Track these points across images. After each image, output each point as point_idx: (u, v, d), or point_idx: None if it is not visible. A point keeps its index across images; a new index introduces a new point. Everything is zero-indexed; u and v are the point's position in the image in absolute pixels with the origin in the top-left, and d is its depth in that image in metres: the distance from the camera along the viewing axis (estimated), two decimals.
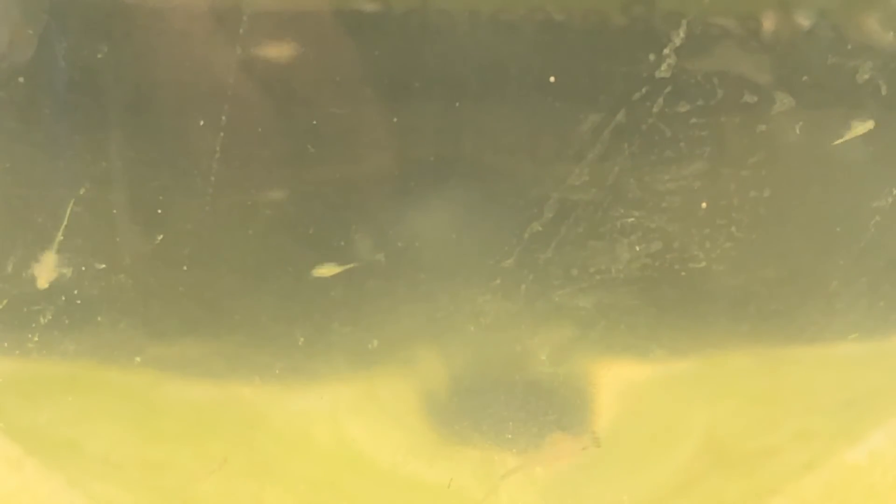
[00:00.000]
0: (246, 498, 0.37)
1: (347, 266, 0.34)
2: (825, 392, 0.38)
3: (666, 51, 0.31)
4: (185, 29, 0.31)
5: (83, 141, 0.33)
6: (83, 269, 0.34)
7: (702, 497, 0.38)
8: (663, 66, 0.32)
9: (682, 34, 0.31)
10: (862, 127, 0.32)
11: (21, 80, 0.32)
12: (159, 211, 0.33)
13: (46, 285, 0.34)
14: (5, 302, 0.34)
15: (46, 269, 0.34)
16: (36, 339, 0.35)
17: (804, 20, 0.32)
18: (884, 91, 0.32)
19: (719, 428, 0.37)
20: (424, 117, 0.32)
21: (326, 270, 0.34)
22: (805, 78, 0.32)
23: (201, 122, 0.32)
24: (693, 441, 0.37)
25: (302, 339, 0.35)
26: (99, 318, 0.35)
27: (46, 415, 0.36)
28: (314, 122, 0.32)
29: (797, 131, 0.33)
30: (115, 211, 0.33)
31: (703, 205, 0.33)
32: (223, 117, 0.32)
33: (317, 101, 0.32)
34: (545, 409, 0.36)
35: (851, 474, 0.38)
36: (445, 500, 0.37)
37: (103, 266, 0.34)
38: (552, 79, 0.31)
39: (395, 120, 0.32)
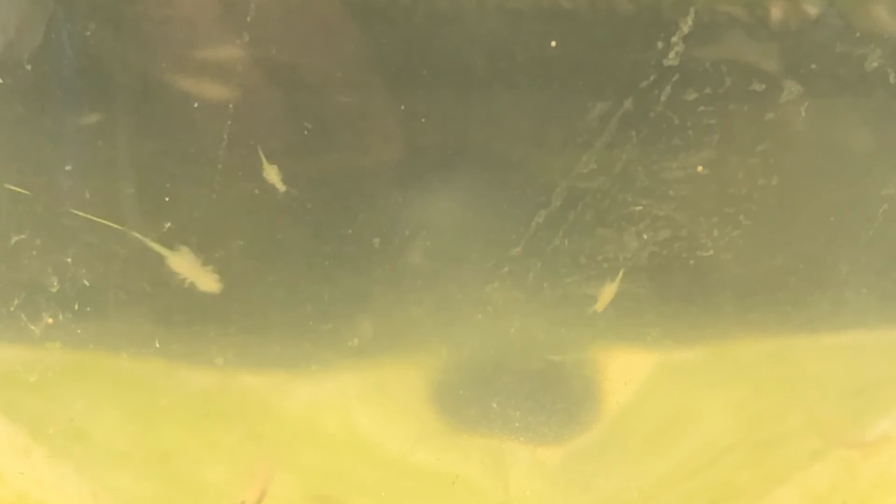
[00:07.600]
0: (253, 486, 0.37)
1: (353, 255, 0.34)
2: (833, 381, 0.38)
3: (674, 38, 0.31)
4: (193, 15, 0.31)
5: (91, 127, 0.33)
6: (91, 256, 0.34)
7: (710, 486, 0.38)
8: (671, 54, 0.32)
9: (690, 22, 0.31)
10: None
11: (28, 67, 0.32)
12: (167, 199, 0.33)
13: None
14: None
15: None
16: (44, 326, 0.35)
17: (812, 8, 0.32)
18: (892, 79, 0.32)
19: (727, 417, 0.37)
20: (431, 105, 0.32)
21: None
22: (813, 66, 0.32)
23: (208, 110, 0.32)
24: (700, 430, 0.37)
25: (310, 328, 0.35)
26: (107, 306, 0.35)
27: (54, 403, 0.36)
28: (321, 110, 0.32)
29: (805, 119, 0.33)
30: (122, 198, 0.33)
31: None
32: (230, 105, 0.32)
33: (324, 88, 0.32)
34: (553, 398, 0.36)
35: (859, 464, 0.38)
36: (453, 489, 0.37)
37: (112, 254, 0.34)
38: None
39: (402, 108, 0.32)
